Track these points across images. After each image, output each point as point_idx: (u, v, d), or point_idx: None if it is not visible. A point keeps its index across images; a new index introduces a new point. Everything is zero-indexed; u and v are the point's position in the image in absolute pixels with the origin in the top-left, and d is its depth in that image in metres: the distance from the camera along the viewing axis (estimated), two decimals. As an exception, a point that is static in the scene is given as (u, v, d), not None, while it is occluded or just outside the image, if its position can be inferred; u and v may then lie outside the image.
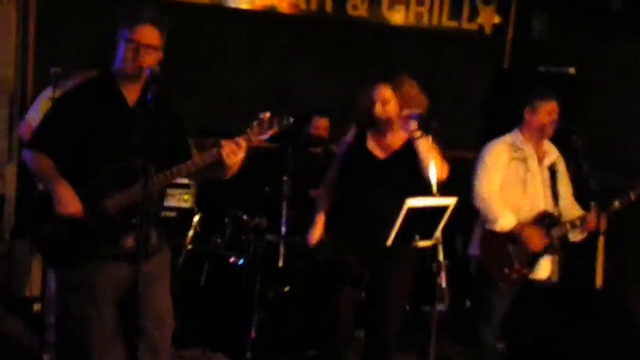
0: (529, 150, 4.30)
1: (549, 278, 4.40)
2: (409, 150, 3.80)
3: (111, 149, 3.23)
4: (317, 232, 4.04)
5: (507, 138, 4.32)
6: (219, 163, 3.24)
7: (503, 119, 6.01)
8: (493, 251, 4.24)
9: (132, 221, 3.24)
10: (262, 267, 4.64)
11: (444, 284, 3.42)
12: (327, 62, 5.95)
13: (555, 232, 4.24)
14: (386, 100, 3.83)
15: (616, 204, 4.25)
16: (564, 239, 4.29)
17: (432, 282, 3.49)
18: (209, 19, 5.72)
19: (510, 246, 4.21)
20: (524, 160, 4.28)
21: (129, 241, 3.27)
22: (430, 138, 3.55)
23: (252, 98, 5.76)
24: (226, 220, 5.14)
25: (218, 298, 4.88)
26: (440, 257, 3.44)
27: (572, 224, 4.26)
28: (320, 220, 4.05)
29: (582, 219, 4.25)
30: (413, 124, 3.68)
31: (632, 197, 4.25)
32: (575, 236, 4.35)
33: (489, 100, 6.41)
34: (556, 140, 4.36)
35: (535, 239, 4.19)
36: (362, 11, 5.99)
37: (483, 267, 4.29)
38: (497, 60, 6.42)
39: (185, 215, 5.19)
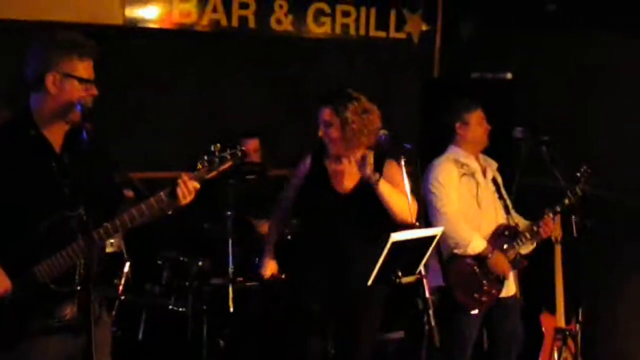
0: (473, 164, 4.07)
1: (514, 295, 4.19)
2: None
3: (39, 205, 2.72)
4: (269, 263, 3.71)
5: (449, 155, 4.08)
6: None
7: (436, 129, 5.87)
8: (461, 277, 3.96)
9: (71, 288, 2.77)
10: (209, 314, 4.15)
11: (433, 322, 3.05)
12: (253, 80, 5.54)
13: (517, 244, 4.01)
14: (327, 123, 3.51)
15: (558, 208, 4.07)
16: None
17: (417, 319, 3.16)
18: (120, 42, 5.19)
19: (478, 269, 3.94)
20: (472, 175, 4.04)
21: (68, 311, 2.79)
22: (402, 163, 3.17)
23: (175, 123, 5.27)
24: (160, 263, 4.61)
25: (161, 353, 4.35)
26: (427, 293, 3.09)
27: (530, 233, 4.03)
28: (271, 252, 3.72)
29: (537, 227, 4.03)
30: (368, 168, 3.39)
31: (570, 200, 4.06)
32: (527, 248, 4.14)
33: (421, 109, 6.17)
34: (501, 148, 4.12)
35: (504, 266, 3.95)
36: (287, 25, 5.62)
37: (451, 298, 3.98)
38: (427, 69, 6.19)
39: (112, 262, 4.62)
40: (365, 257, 3.38)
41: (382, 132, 3.31)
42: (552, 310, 4.72)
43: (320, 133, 3.55)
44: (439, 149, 5.83)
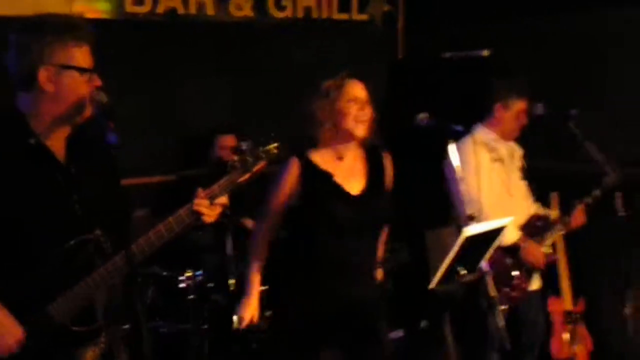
0: (502, 149, 3.78)
1: (539, 288, 3.96)
2: (378, 174, 3.08)
3: (49, 229, 2.24)
4: (252, 303, 3.06)
5: (477, 137, 3.75)
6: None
7: (402, 111, 5.60)
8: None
9: (93, 327, 2.33)
10: (211, 334, 3.70)
11: (501, 323, 2.74)
12: (216, 69, 5.08)
13: (549, 237, 3.76)
14: (363, 100, 3.08)
15: (589, 199, 3.86)
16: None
17: (479, 321, 2.85)
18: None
19: (508, 261, 3.66)
20: (502, 161, 3.75)
21: (89, 355, 2.34)
22: (450, 147, 2.82)
23: (136, 122, 4.74)
24: (139, 281, 4.07)
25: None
26: (492, 291, 2.78)
27: (561, 224, 3.79)
28: (257, 282, 3.07)
29: (568, 218, 3.80)
30: None
31: (599, 193, 3.86)
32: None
33: (386, 92, 5.87)
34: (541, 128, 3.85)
35: (539, 256, 3.69)
36: (247, 11, 5.18)
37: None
38: (391, 51, 5.89)
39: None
40: (373, 266, 3.11)
41: (423, 115, 2.94)
42: (559, 294, 4.55)
43: (360, 112, 3.00)
44: (405, 135, 5.67)
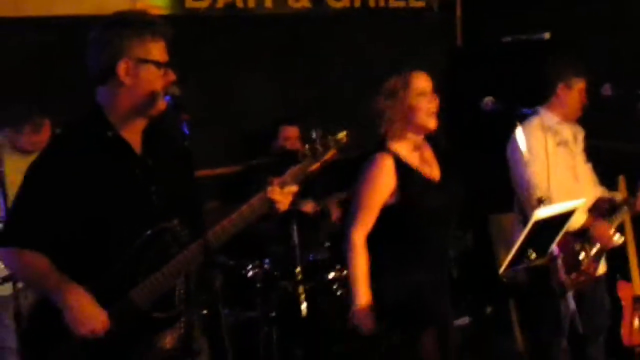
0: (566, 131, 3.70)
1: (605, 272, 3.89)
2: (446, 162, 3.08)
3: (129, 219, 2.31)
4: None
5: (540, 121, 3.65)
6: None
7: (464, 100, 5.54)
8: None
9: (172, 313, 2.39)
10: (281, 322, 3.75)
11: (572, 307, 2.72)
12: (274, 62, 5.12)
13: (616, 219, 3.68)
14: (431, 92, 3.08)
15: None
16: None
17: (548, 307, 2.82)
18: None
19: (576, 245, 3.59)
20: (566, 144, 3.68)
21: (168, 340, 2.39)
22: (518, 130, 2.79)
23: (197, 115, 4.80)
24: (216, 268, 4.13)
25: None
26: (562, 275, 2.75)
27: (627, 207, 3.70)
28: (365, 286, 2.91)
29: (632, 200, 3.71)
30: None
31: None
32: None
33: (446, 80, 5.83)
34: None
35: (608, 234, 3.60)
36: (305, 2, 5.21)
37: (544, 279, 3.62)
38: (450, 37, 5.84)
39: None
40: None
41: (488, 99, 2.93)
42: (628, 279, 4.47)
43: (430, 105, 2.99)
44: (468, 125, 5.62)
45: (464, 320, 4.79)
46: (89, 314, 2.23)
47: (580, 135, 3.81)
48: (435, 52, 5.72)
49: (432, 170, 3.04)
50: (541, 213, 2.57)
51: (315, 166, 2.44)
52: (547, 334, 3.76)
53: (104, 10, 4.57)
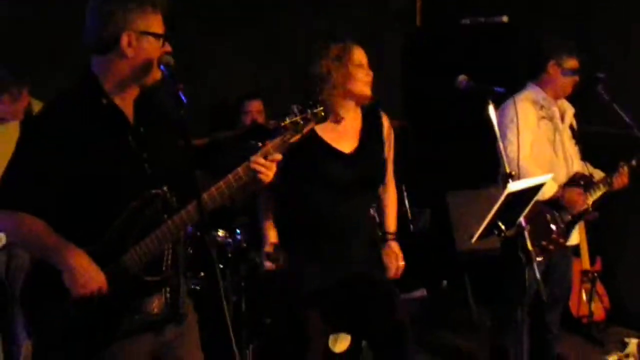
0: (552, 107, 3.82)
1: (576, 244, 4.06)
2: (374, 133, 3.22)
3: (121, 185, 2.37)
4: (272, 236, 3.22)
5: (528, 94, 3.77)
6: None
7: (424, 81, 5.67)
8: (529, 224, 3.74)
9: (160, 278, 2.46)
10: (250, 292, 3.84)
11: (538, 275, 2.87)
12: (243, 38, 5.14)
13: (591, 195, 3.84)
14: (367, 66, 3.21)
15: (634, 162, 3.87)
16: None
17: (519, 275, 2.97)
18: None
19: (548, 215, 3.74)
20: (551, 119, 3.80)
21: (155, 304, 2.46)
22: (490, 109, 2.92)
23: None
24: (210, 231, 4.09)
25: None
26: (529, 245, 2.90)
27: (604, 184, 3.86)
28: (272, 233, 3.22)
29: (611, 179, 3.86)
30: None
31: None
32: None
33: (406, 63, 5.95)
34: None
35: (579, 199, 3.75)
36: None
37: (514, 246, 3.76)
38: (410, 20, 5.94)
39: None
40: (365, 231, 3.22)
41: (462, 77, 3.05)
42: (577, 254, 4.69)
43: (368, 77, 3.16)
44: (425, 102, 5.74)
45: (422, 292, 4.95)
46: (89, 275, 2.28)
47: (570, 112, 3.92)
48: (396, 34, 5.85)
49: (347, 141, 3.17)
50: (513, 186, 2.70)
51: (296, 138, 2.51)
52: (512, 302, 3.91)
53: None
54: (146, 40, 2.34)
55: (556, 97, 3.84)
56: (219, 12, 5.07)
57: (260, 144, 2.55)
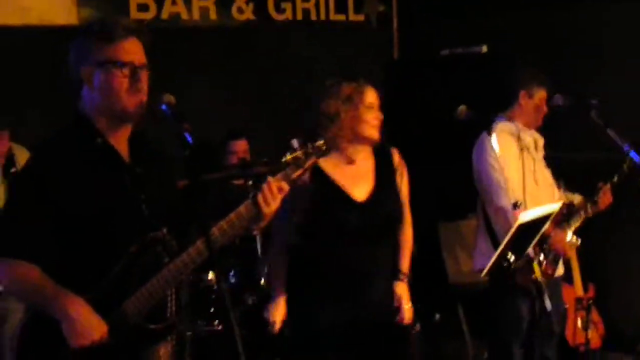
0: (527, 138, 3.83)
1: (562, 274, 4.04)
2: (388, 172, 3.13)
3: (120, 228, 2.28)
4: (280, 307, 3.08)
5: (504, 127, 3.77)
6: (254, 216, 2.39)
7: (400, 112, 5.65)
8: None
9: (165, 325, 2.36)
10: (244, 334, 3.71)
11: (549, 306, 2.82)
12: (221, 74, 5.09)
13: (574, 223, 3.83)
14: (377, 106, 3.10)
15: (615, 179, 3.90)
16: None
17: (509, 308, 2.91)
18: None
19: (538, 249, 3.71)
20: (528, 149, 3.80)
21: (162, 354, 2.37)
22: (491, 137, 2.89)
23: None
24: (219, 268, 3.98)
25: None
26: (539, 275, 2.86)
27: (584, 210, 3.86)
28: (282, 292, 3.08)
29: (595, 200, 3.87)
30: None
31: (626, 169, 3.93)
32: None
33: (383, 93, 5.93)
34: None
35: (563, 243, 3.75)
36: (249, 14, 5.22)
37: (506, 279, 3.71)
38: (387, 51, 5.96)
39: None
40: (386, 281, 3.14)
41: (462, 107, 3.01)
42: (570, 282, 4.66)
43: (376, 120, 3.05)
44: (404, 134, 5.71)
45: (414, 328, 4.86)
46: (90, 325, 2.18)
47: (540, 142, 3.93)
48: (373, 65, 5.84)
49: (362, 185, 3.05)
50: (524, 216, 2.65)
51: (298, 173, 2.45)
52: (506, 335, 3.86)
53: (49, 22, 4.48)
54: (104, 69, 2.26)
55: (529, 127, 3.85)
56: (201, 50, 5.04)
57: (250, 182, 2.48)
